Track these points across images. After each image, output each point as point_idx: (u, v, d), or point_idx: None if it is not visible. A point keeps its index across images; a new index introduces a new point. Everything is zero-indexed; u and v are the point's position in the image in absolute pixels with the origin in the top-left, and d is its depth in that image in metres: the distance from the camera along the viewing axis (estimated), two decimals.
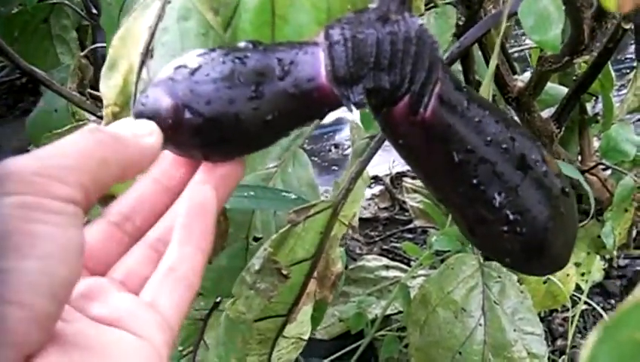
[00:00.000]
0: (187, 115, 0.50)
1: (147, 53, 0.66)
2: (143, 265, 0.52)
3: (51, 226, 0.41)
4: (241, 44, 0.54)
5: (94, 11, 1.82)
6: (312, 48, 0.54)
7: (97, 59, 1.78)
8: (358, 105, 0.53)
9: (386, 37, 0.53)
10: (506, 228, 0.58)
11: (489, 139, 0.56)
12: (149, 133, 0.51)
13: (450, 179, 0.58)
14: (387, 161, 2.23)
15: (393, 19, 0.54)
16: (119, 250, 0.53)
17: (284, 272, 0.77)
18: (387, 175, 2.25)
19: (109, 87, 0.68)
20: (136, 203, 0.54)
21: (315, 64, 0.53)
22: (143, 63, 0.66)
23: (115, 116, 0.68)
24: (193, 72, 0.51)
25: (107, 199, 0.61)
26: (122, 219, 0.54)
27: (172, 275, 0.51)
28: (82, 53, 1.67)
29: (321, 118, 0.57)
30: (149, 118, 0.51)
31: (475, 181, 0.57)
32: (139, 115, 0.52)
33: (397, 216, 2.10)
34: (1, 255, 0.38)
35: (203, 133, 0.51)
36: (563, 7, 0.77)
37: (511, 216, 0.57)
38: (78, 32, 1.88)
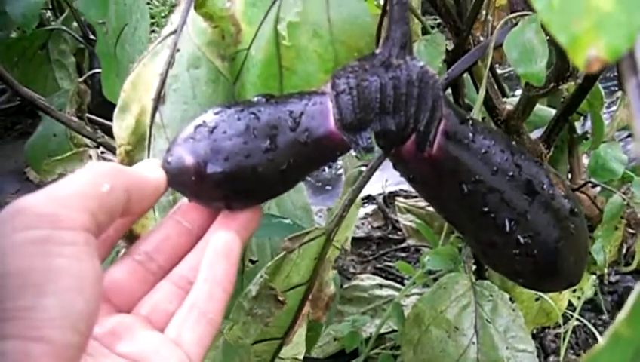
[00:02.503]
0: (208, 171, 0.54)
1: (159, 99, 0.68)
2: (167, 301, 0.55)
3: (65, 259, 0.43)
4: (254, 99, 0.57)
5: (92, 37, 1.84)
6: (320, 98, 0.56)
7: (95, 84, 1.80)
8: (367, 150, 0.56)
9: (388, 82, 0.55)
10: (517, 251, 0.60)
11: (495, 168, 0.58)
12: (152, 170, 0.54)
13: (461, 208, 0.61)
14: (380, 181, 2.23)
15: (395, 65, 0.56)
16: (143, 288, 0.56)
17: (280, 298, 0.78)
18: (380, 194, 2.25)
19: (121, 128, 0.70)
20: (160, 243, 0.57)
21: (324, 113, 0.56)
22: (155, 109, 0.68)
23: (128, 154, 0.70)
24: (212, 130, 0.54)
25: (131, 238, 0.64)
26: (147, 258, 0.56)
27: (196, 312, 0.53)
28: (81, 79, 1.68)
29: (334, 162, 0.59)
30: (174, 175, 0.55)
31: (484, 209, 0.59)
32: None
33: (390, 235, 2.10)
34: (19, 294, 0.40)
35: (224, 186, 0.54)
36: (547, 38, 0.78)
37: (522, 240, 0.59)
38: (75, 56, 1.89)
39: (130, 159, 0.70)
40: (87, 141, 1.52)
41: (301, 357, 0.91)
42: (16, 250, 0.41)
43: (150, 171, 0.54)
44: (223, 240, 0.55)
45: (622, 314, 0.26)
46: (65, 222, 0.44)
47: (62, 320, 0.41)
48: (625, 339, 0.26)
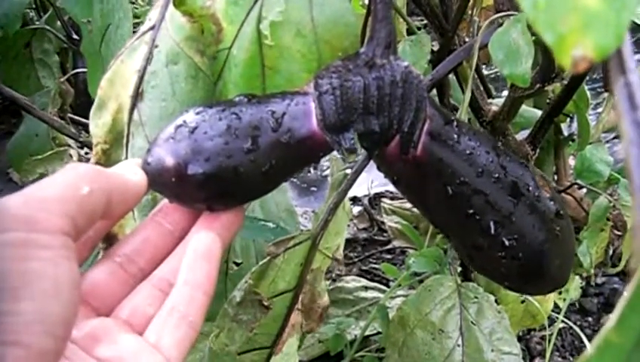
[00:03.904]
0: (189, 172, 0.53)
1: (137, 96, 0.67)
2: (147, 304, 0.54)
3: (42, 262, 0.42)
4: (236, 99, 0.57)
5: (75, 36, 1.83)
6: (302, 98, 0.56)
7: (78, 84, 1.79)
8: (350, 151, 0.55)
9: (372, 82, 0.55)
10: (502, 254, 0.60)
11: (480, 170, 0.57)
12: (133, 172, 0.53)
13: (446, 210, 0.60)
14: (366, 182, 2.23)
15: (379, 64, 0.55)
16: (124, 290, 0.55)
17: (266, 304, 0.77)
18: (366, 196, 2.24)
19: (98, 126, 0.70)
20: (141, 245, 0.56)
21: (307, 114, 0.55)
22: (133, 106, 0.67)
23: (105, 153, 0.69)
24: (193, 130, 0.54)
25: (109, 238, 0.63)
26: (127, 261, 0.55)
27: (176, 315, 0.53)
28: (63, 78, 1.67)
29: (317, 163, 0.59)
30: (154, 176, 0.54)
31: (469, 211, 0.58)
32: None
33: (376, 237, 2.09)
34: None
35: (205, 187, 0.54)
36: (533, 38, 0.78)
37: (507, 242, 0.59)
38: (59, 55, 1.88)
39: (107, 158, 0.69)
40: (70, 141, 1.51)
41: None
42: None
43: (131, 173, 0.54)
44: (204, 241, 0.55)
45: (611, 321, 0.26)
46: (42, 225, 0.43)
47: (37, 324, 0.41)
48: (614, 346, 0.26)
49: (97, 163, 0.69)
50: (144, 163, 0.55)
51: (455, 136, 0.57)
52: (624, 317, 0.26)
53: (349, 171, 0.90)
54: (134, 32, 0.75)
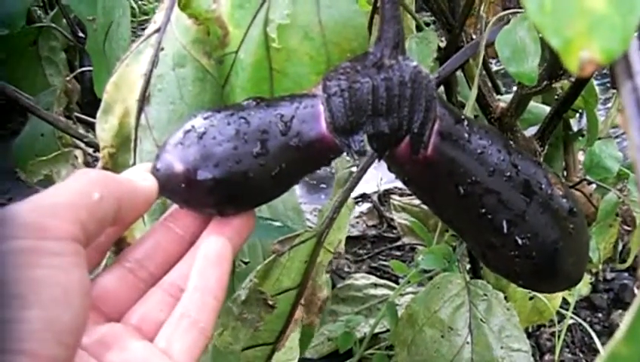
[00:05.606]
0: (199, 177, 0.53)
1: (144, 100, 0.67)
2: (157, 310, 0.54)
3: (52, 269, 0.42)
4: (244, 103, 0.56)
5: (81, 34, 1.83)
6: (311, 101, 0.55)
7: (85, 82, 1.79)
8: (360, 153, 0.55)
9: (381, 83, 0.54)
10: (516, 253, 0.59)
11: (492, 169, 0.57)
12: (143, 178, 0.53)
13: (458, 209, 0.60)
14: (375, 179, 2.23)
15: (387, 65, 0.55)
16: (134, 295, 0.55)
17: (270, 302, 0.77)
18: (375, 192, 2.24)
19: (104, 130, 0.69)
20: (151, 250, 0.56)
21: (316, 116, 0.55)
22: (140, 110, 0.67)
23: (112, 157, 0.69)
24: (201, 135, 0.54)
25: (119, 243, 0.63)
26: (137, 266, 0.55)
27: (186, 321, 0.52)
28: (69, 77, 1.67)
29: (327, 165, 0.58)
30: (164, 182, 0.54)
31: (482, 210, 0.57)
32: None
33: (385, 234, 2.09)
34: (3, 305, 0.39)
35: (215, 192, 0.54)
36: (539, 36, 0.77)
37: (520, 241, 0.58)
38: (67, 52, 1.88)
39: (114, 162, 0.69)
40: (77, 141, 1.51)
41: None
42: (1, 260, 0.40)
43: (141, 178, 0.53)
44: (214, 246, 0.55)
45: (620, 332, 0.25)
46: (52, 231, 0.43)
47: (46, 332, 0.40)
48: (623, 358, 0.25)
49: (104, 167, 0.69)
50: (153, 169, 0.55)
51: (466, 135, 0.57)
52: (633, 329, 0.25)
53: (355, 169, 0.90)
54: (142, 29, 0.75)
